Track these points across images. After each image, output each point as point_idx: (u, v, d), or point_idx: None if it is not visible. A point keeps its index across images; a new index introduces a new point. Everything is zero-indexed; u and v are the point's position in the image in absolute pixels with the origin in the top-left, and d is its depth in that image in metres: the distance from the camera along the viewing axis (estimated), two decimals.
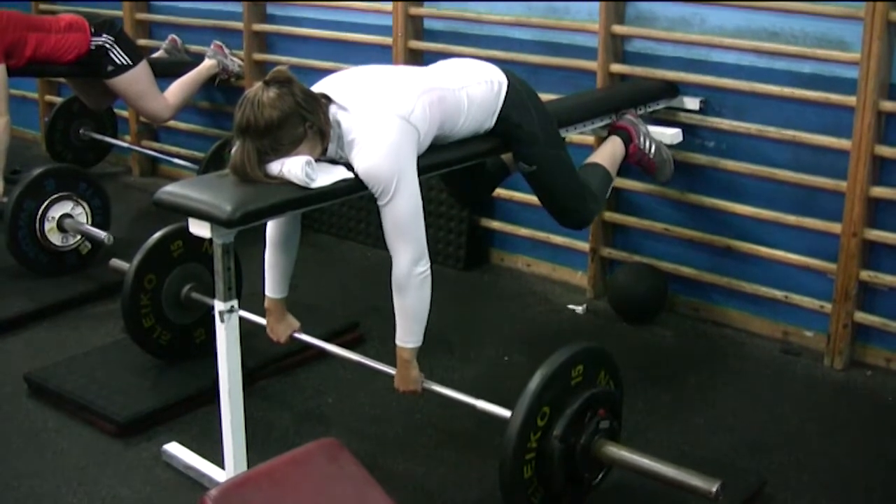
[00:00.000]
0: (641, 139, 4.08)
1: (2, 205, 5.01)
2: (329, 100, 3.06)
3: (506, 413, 2.95)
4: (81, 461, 3.49)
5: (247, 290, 3.74)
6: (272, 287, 3.46)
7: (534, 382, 2.86)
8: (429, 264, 3.14)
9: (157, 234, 3.92)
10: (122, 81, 5.43)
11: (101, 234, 4.86)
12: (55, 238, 4.95)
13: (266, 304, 3.51)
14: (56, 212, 4.94)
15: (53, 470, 3.44)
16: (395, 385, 3.29)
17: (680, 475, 2.84)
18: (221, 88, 6.13)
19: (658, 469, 2.88)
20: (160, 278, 3.94)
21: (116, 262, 4.32)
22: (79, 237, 5.01)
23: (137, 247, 3.95)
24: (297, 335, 3.57)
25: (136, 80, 5.46)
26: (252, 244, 3.67)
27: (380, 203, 3.04)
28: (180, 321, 4.02)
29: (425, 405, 3.71)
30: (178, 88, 5.75)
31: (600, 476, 3.06)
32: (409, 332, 3.18)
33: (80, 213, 5.02)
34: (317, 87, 3.14)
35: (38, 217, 4.89)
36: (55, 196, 4.93)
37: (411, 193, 3.04)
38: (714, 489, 2.75)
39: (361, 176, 3.01)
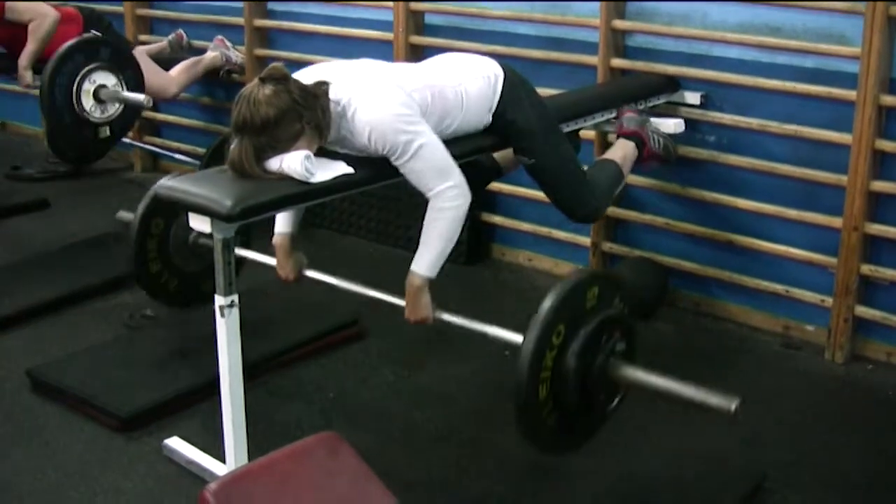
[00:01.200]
0: (652, 141, 4.07)
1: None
2: (326, 86, 3.05)
3: (518, 338, 2.92)
4: (83, 456, 3.50)
5: (248, 286, 3.74)
6: (281, 222, 3.45)
7: (549, 300, 2.82)
8: (469, 200, 3.13)
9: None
10: None
11: (141, 96, 4.97)
12: (88, 104, 5.04)
13: (274, 240, 3.48)
14: (96, 79, 5.04)
15: (55, 465, 3.44)
16: (405, 316, 3.24)
17: (698, 394, 2.81)
18: (223, 84, 6.13)
19: (676, 388, 2.85)
20: (167, 223, 3.94)
21: (123, 214, 4.32)
22: (117, 106, 5.10)
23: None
24: (306, 272, 3.54)
25: (138, 58, 5.49)
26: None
27: (399, 163, 3.05)
28: (189, 268, 4.03)
29: (426, 402, 3.71)
30: (182, 68, 5.78)
31: (615, 401, 3.02)
32: (427, 261, 3.14)
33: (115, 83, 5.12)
34: (314, 73, 3.13)
35: (75, 90, 4.97)
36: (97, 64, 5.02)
37: (429, 142, 3.05)
38: (733, 407, 2.73)
39: (371, 142, 3.02)
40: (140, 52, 5.53)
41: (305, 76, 3.13)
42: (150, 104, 5.05)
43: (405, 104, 3.05)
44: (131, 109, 5.19)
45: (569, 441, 3.03)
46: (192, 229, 3.90)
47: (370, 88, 3.06)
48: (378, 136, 3.00)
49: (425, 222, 3.12)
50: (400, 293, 3.18)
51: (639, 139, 4.06)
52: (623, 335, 2.97)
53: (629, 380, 2.92)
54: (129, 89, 5.13)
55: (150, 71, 5.52)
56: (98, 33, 5.37)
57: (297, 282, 3.57)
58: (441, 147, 3.08)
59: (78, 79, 4.96)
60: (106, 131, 5.13)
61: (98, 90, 5.03)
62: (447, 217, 3.10)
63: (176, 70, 5.74)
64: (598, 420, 3.04)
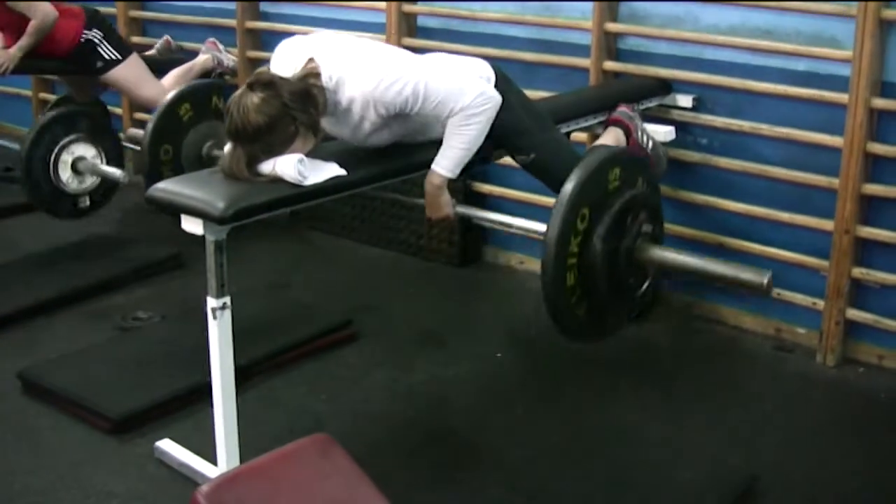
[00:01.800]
0: (639, 134, 4.08)
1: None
2: (316, 71, 3.06)
3: (542, 227, 2.89)
4: (75, 458, 3.49)
5: (249, 284, 3.72)
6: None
7: (571, 182, 2.78)
8: (498, 101, 3.16)
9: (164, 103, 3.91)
10: (112, 75, 5.43)
11: (118, 172, 4.92)
12: (65, 176, 5.01)
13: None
14: (69, 155, 5.01)
15: (47, 466, 3.44)
16: (426, 214, 3.27)
17: (730, 270, 2.79)
18: None
19: (707, 266, 2.83)
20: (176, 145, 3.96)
21: (132, 131, 4.34)
22: (93, 179, 5.06)
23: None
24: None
25: (127, 72, 5.46)
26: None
27: (415, 111, 3.08)
28: None
29: (420, 401, 3.71)
30: (174, 76, 5.75)
31: (645, 286, 3.00)
32: (450, 162, 3.17)
33: (94, 155, 5.10)
34: (307, 45, 3.14)
35: (52, 162, 4.95)
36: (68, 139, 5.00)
37: (420, 78, 3.06)
38: (765, 280, 2.72)
39: (378, 107, 3.05)
40: (135, 60, 5.51)
41: (292, 53, 3.14)
42: (127, 180, 4.98)
43: (388, 70, 3.06)
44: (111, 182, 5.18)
45: (600, 328, 3.00)
46: (203, 143, 3.91)
47: (357, 64, 3.07)
48: (379, 104, 3.02)
49: (452, 124, 3.13)
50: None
51: (625, 129, 4.06)
52: (649, 216, 2.93)
53: (658, 261, 2.87)
54: (107, 160, 5.12)
55: (142, 80, 5.51)
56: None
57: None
58: (442, 72, 3.09)
59: (56, 150, 4.96)
60: (86, 201, 5.14)
61: (76, 162, 5.03)
62: (477, 122, 3.13)
63: (168, 79, 5.72)
64: (629, 306, 3.00)
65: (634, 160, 2.96)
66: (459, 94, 3.10)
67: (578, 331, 2.94)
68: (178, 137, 3.83)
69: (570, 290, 2.82)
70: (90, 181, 5.06)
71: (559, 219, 2.75)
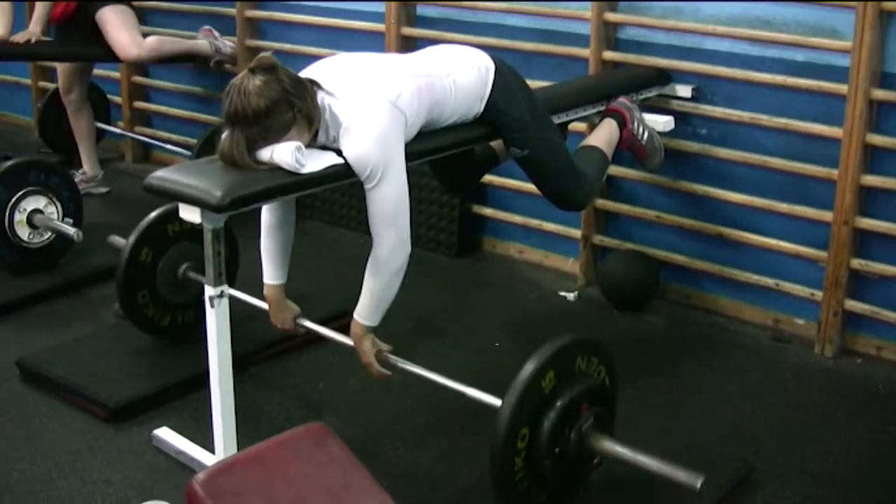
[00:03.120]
0: (635, 125, 4.07)
1: None
2: (317, 85, 3.05)
3: (497, 401, 2.92)
4: (73, 446, 3.50)
5: (245, 273, 3.72)
6: (270, 273, 3.43)
7: (504, 410, 2.81)
8: (408, 253, 3.13)
9: (153, 214, 3.93)
10: (107, 11, 5.62)
11: (71, 230, 4.69)
12: (24, 233, 4.79)
13: (265, 291, 3.47)
14: (27, 206, 4.78)
15: (45, 455, 3.44)
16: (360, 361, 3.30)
17: (664, 469, 2.84)
18: (213, 74, 6.12)
19: (643, 461, 2.88)
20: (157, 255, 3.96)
21: (115, 239, 4.28)
22: (49, 234, 4.85)
23: (130, 231, 3.95)
24: (300, 321, 3.53)
25: (120, 12, 5.66)
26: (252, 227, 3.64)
27: (366, 187, 3.04)
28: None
29: (416, 391, 3.71)
30: (157, 40, 5.80)
31: (595, 466, 3.05)
32: (370, 311, 3.18)
33: (52, 210, 4.86)
34: (304, 74, 3.13)
35: (7, 212, 4.72)
36: (25, 190, 4.78)
37: (398, 180, 3.04)
38: (698, 484, 2.76)
39: (350, 162, 3.01)
40: (127, 10, 5.65)
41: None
42: (80, 238, 4.66)
43: (387, 130, 3.03)
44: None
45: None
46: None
47: (358, 111, 3.03)
48: (358, 165, 3.01)
49: (367, 278, 3.14)
50: None
51: (621, 118, 4.05)
52: (590, 405, 2.97)
53: (606, 451, 2.94)
54: (63, 211, 4.88)
55: (126, 26, 5.63)
56: None
57: (294, 331, 3.57)
58: (404, 197, 3.08)
59: (8, 210, 4.72)
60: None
61: (31, 216, 4.79)
62: (388, 283, 3.14)
63: (151, 39, 5.76)
64: (576, 485, 3.07)
65: (564, 350, 2.96)
66: (389, 228, 3.08)
67: None
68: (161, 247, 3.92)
69: (525, 493, 2.92)
70: (48, 234, 4.85)
71: (499, 443, 2.81)
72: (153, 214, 3.94)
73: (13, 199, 4.74)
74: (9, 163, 4.81)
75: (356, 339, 3.24)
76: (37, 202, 4.81)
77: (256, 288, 3.54)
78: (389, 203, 3.04)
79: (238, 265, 4.14)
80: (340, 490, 2.45)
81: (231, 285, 3.90)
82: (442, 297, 4.61)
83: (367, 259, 3.13)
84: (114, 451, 3.48)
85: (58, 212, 4.87)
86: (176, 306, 4.07)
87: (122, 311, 4.03)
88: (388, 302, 3.18)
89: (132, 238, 3.93)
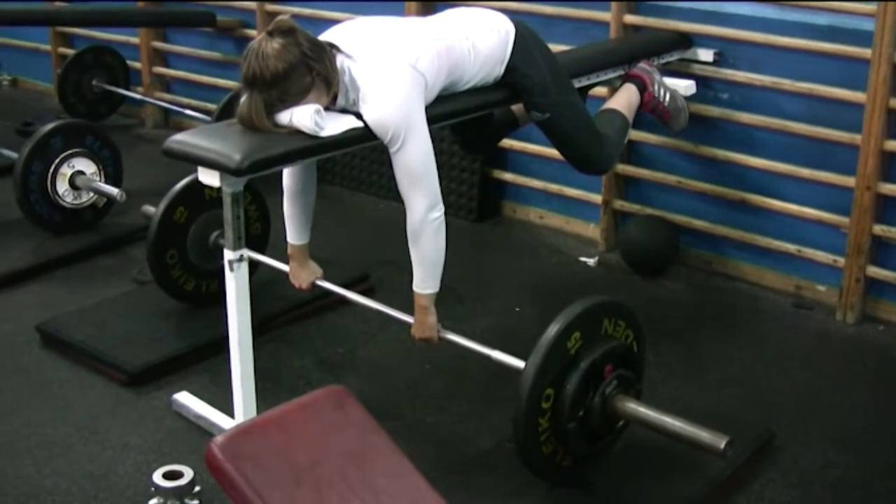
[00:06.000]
0: (656, 87, 4.05)
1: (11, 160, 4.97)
2: (336, 49, 3.03)
3: (520, 364, 2.92)
4: (93, 410, 3.51)
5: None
6: (293, 234, 3.43)
7: (529, 368, 2.81)
8: (443, 210, 3.11)
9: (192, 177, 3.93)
10: None
11: (114, 190, 4.75)
12: (68, 196, 4.85)
13: (289, 250, 3.47)
14: (67, 169, 4.84)
15: (65, 419, 3.46)
16: (412, 332, 3.24)
17: (690, 431, 2.83)
18: (232, 39, 6.10)
19: (668, 423, 2.87)
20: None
21: (147, 208, 4.28)
22: (92, 194, 4.92)
23: (152, 197, 3.94)
24: (319, 282, 3.52)
25: None
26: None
27: (391, 151, 3.02)
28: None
29: (436, 355, 3.71)
30: None
31: (617, 429, 3.04)
32: (426, 279, 3.14)
33: (93, 170, 4.91)
34: (323, 37, 3.11)
35: (50, 176, 4.78)
36: (65, 153, 4.83)
37: (422, 142, 3.02)
38: (722, 445, 2.74)
39: (371, 126, 2.99)
40: None
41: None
42: (124, 199, 4.71)
43: (407, 92, 3.01)
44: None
45: (585, 468, 3.08)
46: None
47: (377, 74, 3.01)
48: (379, 129, 2.99)
49: (412, 246, 3.12)
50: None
51: (640, 83, 4.03)
52: (614, 369, 2.96)
53: (630, 414, 2.93)
54: (106, 178, 4.94)
55: None
56: None
57: (310, 291, 3.56)
58: (430, 156, 3.07)
59: (56, 161, 4.78)
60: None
61: (74, 176, 4.84)
62: (432, 243, 3.11)
63: None
64: (601, 450, 3.07)
65: (589, 311, 2.94)
66: (419, 190, 3.09)
67: (566, 477, 3.06)
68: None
69: (550, 456, 2.93)
70: (86, 197, 4.90)
71: (524, 405, 2.80)
72: (192, 177, 3.93)
73: (61, 157, 4.79)
74: (42, 130, 4.82)
75: (421, 312, 3.19)
76: (80, 164, 4.86)
77: (274, 248, 3.54)
78: (414, 165, 3.03)
79: (270, 228, 4.16)
80: (360, 453, 2.45)
81: (262, 250, 3.91)
82: (462, 262, 4.59)
83: (399, 225, 3.10)
84: (133, 415, 3.49)
85: (99, 173, 4.93)
86: (202, 273, 4.07)
87: (148, 271, 4.03)
88: (440, 262, 3.14)
89: (169, 196, 3.93)
